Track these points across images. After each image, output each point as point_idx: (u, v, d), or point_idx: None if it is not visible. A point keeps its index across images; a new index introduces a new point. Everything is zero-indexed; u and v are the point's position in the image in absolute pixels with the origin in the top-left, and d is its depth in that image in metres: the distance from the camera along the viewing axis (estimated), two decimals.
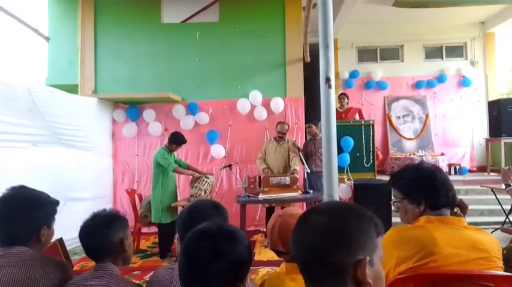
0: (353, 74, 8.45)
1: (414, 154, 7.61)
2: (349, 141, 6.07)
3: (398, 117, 8.36)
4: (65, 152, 4.96)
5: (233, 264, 1.00)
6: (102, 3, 6.40)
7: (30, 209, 1.51)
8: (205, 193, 4.69)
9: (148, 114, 6.14)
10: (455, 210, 1.65)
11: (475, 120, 8.34)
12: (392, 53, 8.70)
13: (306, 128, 5.71)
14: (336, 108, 4.91)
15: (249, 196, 4.66)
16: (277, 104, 6.07)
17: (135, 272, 4.09)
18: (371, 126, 6.36)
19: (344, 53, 8.47)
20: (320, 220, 0.81)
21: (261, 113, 6.09)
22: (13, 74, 5.89)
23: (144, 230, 5.45)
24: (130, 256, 1.59)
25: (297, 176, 4.94)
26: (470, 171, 7.93)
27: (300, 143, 5.87)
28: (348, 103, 6.95)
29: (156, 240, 4.97)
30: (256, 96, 6.06)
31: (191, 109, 6.14)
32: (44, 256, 1.50)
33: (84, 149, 5.36)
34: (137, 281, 2.81)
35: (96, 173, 5.72)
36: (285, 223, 1.40)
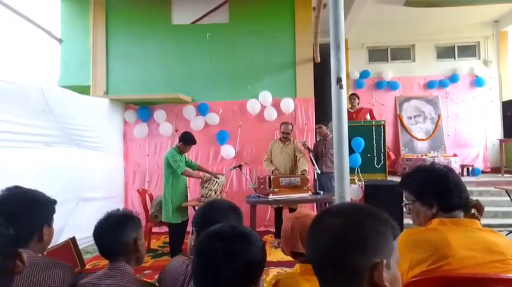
0: (364, 74, 8.39)
1: (426, 155, 7.52)
2: (360, 142, 6.03)
3: (410, 118, 8.27)
4: (77, 153, 5.02)
5: (246, 266, 1.00)
6: (114, 6, 6.47)
7: (30, 208, 1.47)
8: (215, 193, 4.70)
9: (159, 115, 6.18)
10: (472, 211, 1.62)
11: (489, 121, 8.22)
12: (403, 53, 8.62)
13: (316, 129, 5.69)
14: (347, 109, 4.87)
15: (259, 197, 4.66)
16: (287, 104, 6.05)
17: (146, 272, 4.12)
18: (382, 127, 6.30)
19: (354, 53, 8.42)
20: (336, 222, 0.80)
21: (271, 114, 6.08)
22: (27, 75, 5.98)
23: (155, 229, 5.49)
24: (143, 255, 1.60)
25: (308, 177, 4.91)
26: (483, 172, 7.81)
27: (310, 143, 5.85)
28: (358, 103, 6.91)
29: (167, 240, 5.00)
30: (266, 96, 6.06)
31: (201, 110, 6.17)
32: (46, 259, 1.48)
33: (96, 150, 5.42)
34: (148, 281, 2.83)
35: (107, 173, 5.78)
36: (305, 225, 1.40)
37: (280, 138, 5.36)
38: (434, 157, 7.29)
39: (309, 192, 4.72)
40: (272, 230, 5.50)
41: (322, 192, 4.81)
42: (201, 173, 4.95)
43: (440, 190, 1.45)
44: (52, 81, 6.46)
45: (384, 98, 8.40)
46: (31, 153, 4.17)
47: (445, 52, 8.52)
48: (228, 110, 6.25)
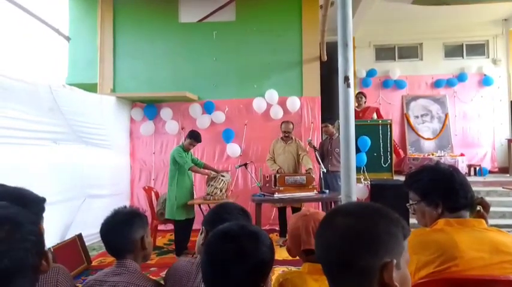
0: (370, 73, 8.34)
1: (433, 154, 7.47)
2: (366, 141, 6.00)
3: (417, 117, 8.21)
4: (84, 150, 5.06)
5: (256, 265, 1.00)
6: (121, 4, 6.49)
7: (20, 206, 1.37)
8: (221, 191, 4.71)
9: (166, 113, 6.20)
10: (478, 208, 1.61)
11: (497, 120, 8.14)
12: (411, 52, 8.55)
13: (322, 128, 5.67)
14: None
15: (264, 195, 4.66)
16: (293, 103, 6.04)
17: (151, 269, 4.14)
18: (388, 126, 6.26)
19: (361, 51, 8.37)
20: (346, 222, 0.80)
21: (277, 112, 6.07)
22: (35, 72, 6.03)
23: (161, 227, 5.51)
24: (150, 253, 1.61)
25: (313, 176, 4.90)
26: (491, 172, 7.74)
27: (316, 142, 5.83)
28: (365, 102, 6.86)
29: (173, 237, 5.02)
30: (272, 95, 6.05)
31: (207, 108, 6.18)
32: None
33: (103, 147, 5.45)
34: (154, 278, 2.85)
35: (114, 170, 5.82)
36: (319, 220, 1.39)
37: (282, 137, 5.35)
38: (441, 156, 7.23)
39: (315, 191, 4.71)
40: (277, 228, 5.50)
41: (327, 191, 4.80)
42: (206, 171, 4.97)
43: (445, 190, 1.43)
44: (60, 78, 6.52)
45: (391, 97, 8.35)
46: (39, 150, 4.21)
47: (453, 51, 8.44)
48: (234, 109, 6.26)
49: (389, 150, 6.20)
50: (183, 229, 4.68)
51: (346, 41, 2.03)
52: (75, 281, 3.79)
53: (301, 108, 6.15)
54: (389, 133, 6.24)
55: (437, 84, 8.26)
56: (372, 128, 6.22)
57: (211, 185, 4.72)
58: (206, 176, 4.93)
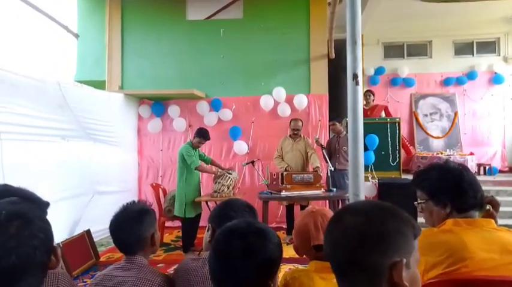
0: (379, 71, 8.27)
1: (442, 153, 7.40)
2: (374, 139, 5.95)
3: (426, 115, 8.13)
4: (92, 147, 5.10)
5: (264, 262, 0.99)
6: (129, 2, 6.52)
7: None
8: (228, 188, 4.72)
9: (173, 110, 6.22)
10: (487, 207, 1.58)
11: (507, 119, 8.02)
12: (420, 49, 8.46)
13: (329, 126, 5.64)
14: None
15: (271, 193, 4.66)
16: (301, 101, 6.02)
17: (159, 265, 4.17)
18: (397, 124, 6.22)
19: (370, 49, 8.29)
20: (357, 221, 0.79)
21: (285, 110, 6.06)
22: (44, 70, 6.08)
23: (168, 224, 5.55)
24: (157, 248, 1.63)
25: (321, 174, 4.88)
26: (501, 171, 7.64)
27: (324, 140, 5.81)
28: (373, 100, 6.83)
29: (179, 234, 5.05)
30: (279, 92, 6.03)
31: (215, 105, 6.19)
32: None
33: (111, 144, 5.49)
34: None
35: (121, 167, 5.86)
36: (326, 216, 1.38)
37: (290, 135, 5.33)
38: (450, 155, 7.16)
39: (322, 189, 4.69)
40: (284, 226, 5.50)
41: (335, 189, 4.78)
42: (214, 169, 4.97)
43: (454, 190, 1.40)
44: (69, 76, 6.57)
45: (399, 95, 8.28)
46: (48, 147, 4.25)
47: (463, 48, 8.33)
48: (241, 106, 6.26)
49: (397, 148, 6.16)
50: (190, 226, 4.70)
51: (355, 39, 2.02)
52: (83, 276, 3.83)
53: (309, 106, 6.13)
54: (397, 131, 6.20)
55: (446, 82, 8.17)
56: (380, 126, 6.19)
57: (219, 183, 4.73)
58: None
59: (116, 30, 6.47)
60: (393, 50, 8.51)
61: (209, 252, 1.07)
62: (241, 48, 6.33)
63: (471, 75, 8.07)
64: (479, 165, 7.36)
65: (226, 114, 6.17)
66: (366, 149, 5.82)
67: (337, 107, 6.38)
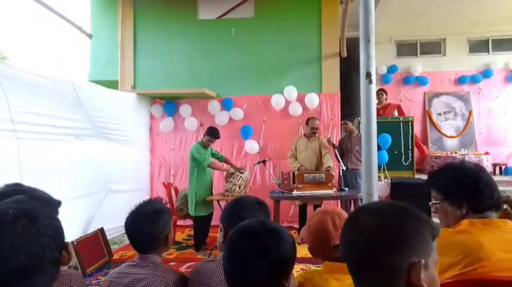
0: (391, 69, 8.18)
1: (456, 153, 7.28)
2: (387, 139, 5.88)
3: (439, 114, 8.01)
4: (105, 146, 5.16)
5: (278, 262, 0.99)
6: (141, 2, 6.57)
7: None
8: (239, 188, 4.72)
9: (185, 109, 6.26)
10: (504, 207, 1.55)
11: None
12: (433, 47, 8.33)
13: (341, 125, 5.60)
14: None
15: (282, 192, 4.65)
16: (312, 100, 5.99)
17: (171, 263, 4.19)
18: (410, 123, 6.14)
19: (382, 47, 8.17)
20: (374, 221, 0.79)
21: (296, 109, 6.04)
22: (59, 69, 6.19)
23: (180, 222, 5.58)
24: (170, 247, 1.65)
25: (333, 173, 4.85)
26: None
27: (336, 139, 5.77)
28: (386, 99, 6.75)
29: (191, 233, 5.08)
30: (291, 91, 6.01)
31: (226, 105, 6.20)
32: None
33: (124, 143, 5.55)
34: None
35: (134, 166, 5.92)
36: (342, 215, 1.37)
37: (304, 134, 5.30)
38: (465, 154, 7.04)
39: (334, 189, 4.66)
40: (296, 226, 5.48)
41: (347, 189, 4.75)
42: (225, 166, 4.98)
43: (470, 190, 1.37)
44: (82, 75, 6.67)
45: (412, 93, 8.17)
46: (63, 146, 4.31)
47: (478, 46, 8.18)
48: (252, 105, 6.26)
49: (410, 148, 6.08)
50: (202, 224, 4.73)
51: (369, 37, 2.00)
52: (97, 273, 3.88)
53: (320, 105, 6.10)
54: (410, 131, 6.12)
55: (461, 80, 8.03)
56: (392, 125, 6.11)
57: (230, 182, 4.74)
58: (225, 173, 4.96)
59: (128, 30, 6.53)
60: (406, 48, 8.40)
61: (223, 252, 1.07)
62: (253, 47, 6.33)
63: (486, 74, 7.92)
64: (494, 165, 7.22)
65: (238, 113, 6.18)
66: (378, 148, 5.76)
67: (348, 106, 6.33)
